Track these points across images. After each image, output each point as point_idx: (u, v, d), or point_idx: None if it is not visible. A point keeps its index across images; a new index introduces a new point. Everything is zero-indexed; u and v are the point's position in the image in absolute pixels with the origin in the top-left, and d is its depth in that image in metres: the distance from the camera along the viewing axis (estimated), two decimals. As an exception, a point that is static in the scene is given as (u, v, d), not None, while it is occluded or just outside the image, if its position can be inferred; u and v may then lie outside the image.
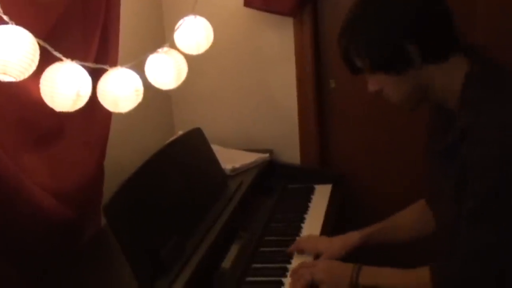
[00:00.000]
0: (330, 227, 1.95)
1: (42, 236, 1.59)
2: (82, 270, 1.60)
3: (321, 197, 2.17)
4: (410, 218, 1.69)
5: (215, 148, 2.30)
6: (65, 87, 1.45)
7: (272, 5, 2.18)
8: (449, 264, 1.30)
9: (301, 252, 1.74)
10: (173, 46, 1.85)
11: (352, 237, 1.71)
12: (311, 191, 2.22)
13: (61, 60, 1.48)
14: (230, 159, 2.22)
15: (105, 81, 1.61)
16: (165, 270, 1.50)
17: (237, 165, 2.15)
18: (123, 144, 2.10)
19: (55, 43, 1.53)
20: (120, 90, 1.60)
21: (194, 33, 1.86)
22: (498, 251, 1.23)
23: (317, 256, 1.70)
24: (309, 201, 2.14)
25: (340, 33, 1.37)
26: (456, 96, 1.33)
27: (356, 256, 1.64)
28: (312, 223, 1.97)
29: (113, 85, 1.60)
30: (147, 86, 1.84)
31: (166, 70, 1.76)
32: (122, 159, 2.02)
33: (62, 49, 1.54)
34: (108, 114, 1.81)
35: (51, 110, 1.50)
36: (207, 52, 2.24)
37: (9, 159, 1.45)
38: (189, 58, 2.09)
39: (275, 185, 2.27)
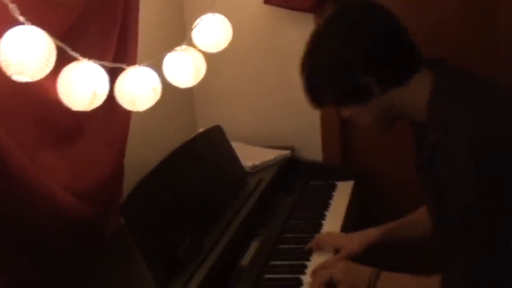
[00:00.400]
0: (351, 224, 1.94)
1: (63, 235, 1.61)
2: (102, 268, 1.62)
3: (342, 194, 2.16)
4: (424, 218, 1.67)
5: (237, 145, 2.31)
6: (82, 86, 1.47)
7: (292, 2, 2.18)
8: (454, 281, 1.26)
9: (319, 248, 1.73)
10: (192, 44, 1.86)
11: (371, 234, 1.70)
12: (332, 188, 2.21)
13: (77, 59, 1.50)
14: (251, 156, 2.22)
15: (122, 80, 1.62)
16: (182, 268, 1.50)
17: (257, 162, 2.15)
18: (145, 143, 2.11)
19: (73, 42, 1.55)
20: (138, 89, 1.62)
21: (213, 31, 1.86)
22: (492, 266, 1.19)
23: (336, 252, 1.69)
24: (330, 198, 2.12)
25: (301, 65, 1.41)
26: (424, 112, 1.31)
27: (375, 255, 1.62)
28: (333, 220, 1.95)
29: (130, 84, 1.61)
30: (168, 84, 1.87)
31: (184, 68, 1.77)
32: (144, 157, 2.03)
33: (80, 48, 1.56)
34: (127, 113, 1.82)
35: (70, 110, 1.52)
36: (228, 50, 2.25)
37: (29, 159, 1.48)
38: (210, 56, 2.10)
39: (297, 182, 2.26)
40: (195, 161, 1.78)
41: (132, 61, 1.80)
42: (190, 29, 1.88)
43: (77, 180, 1.66)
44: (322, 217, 1.98)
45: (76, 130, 1.70)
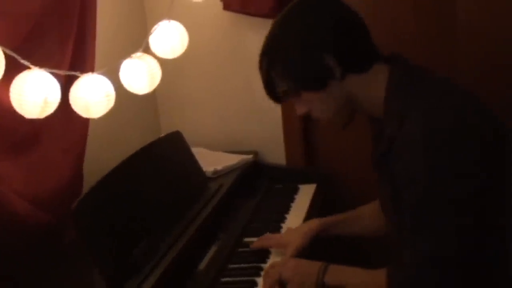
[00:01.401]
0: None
1: (19, 242, 1.62)
2: (59, 274, 1.62)
3: (304, 197, 2.18)
4: (371, 214, 1.71)
5: (200, 150, 2.34)
6: (33, 94, 1.49)
7: (250, 8, 2.20)
8: (401, 273, 1.28)
9: (264, 248, 1.78)
10: (149, 50, 1.88)
11: (312, 224, 1.75)
12: (295, 191, 2.23)
13: (29, 68, 1.51)
14: (213, 161, 2.24)
15: (76, 88, 1.65)
16: (136, 271, 1.51)
17: (219, 167, 2.17)
18: (109, 149, 2.13)
19: (28, 52, 1.58)
20: (91, 96, 1.63)
21: (168, 38, 1.89)
22: (439, 260, 1.20)
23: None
24: (292, 201, 2.15)
25: (259, 60, 1.42)
26: (381, 107, 1.34)
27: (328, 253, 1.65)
28: (293, 222, 1.97)
29: (83, 91, 1.64)
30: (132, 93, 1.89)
31: (140, 75, 1.79)
32: (107, 163, 2.03)
33: (35, 57, 1.59)
34: (85, 120, 1.83)
35: (25, 117, 1.54)
36: (190, 55, 2.28)
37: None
38: (173, 62, 2.13)
39: (260, 186, 2.28)
40: (152, 165, 1.80)
41: (89, 68, 1.82)
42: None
43: (33, 187, 1.68)
44: (282, 220, 2.00)
45: (32, 137, 1.71)
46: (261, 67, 1.42)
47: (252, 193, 2.22)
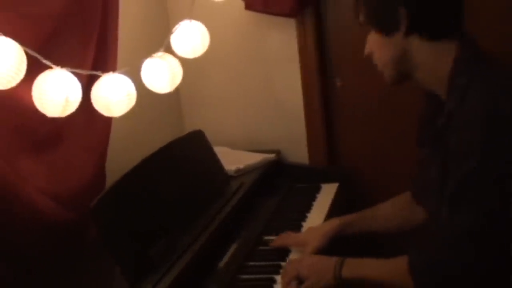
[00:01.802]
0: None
1: (42, 239, 1.65)
2: (81, 271, 1.65)
3: (326, 196, 2.18)
4: (391, 211, 1.69)
5: (222, 149, 2.35)
6: (54, 93, 1.51)
7: (272, 7, 2.20)
8: (427, 249, 1.29)
9: (284, 247, 1.77)
10: (170, 50, 1.90)
11: (332, 224, 1.74)
12: (317, 190, 2.23)
13: (51, 68, 1.54)
14: (236, 160, 2.25)
15: (97, 87, 1.67)
16: (155, 268, 1.53)
17: (241, 166, 2.18)
18: (133, 147, 2.14)
19: (50, 52, 1.61)
20: (112, 95, 1.65)
21: (189, 37, 1.90)
22: (477, 236, 1.21)
23: None
24: (314, 200, 2.15)
25: None
26: (444, 81, 1.32)
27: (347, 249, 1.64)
28: (314, 221, 1.97)
29: (104, 91, 1.65)
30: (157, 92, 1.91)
31: (161, 74, 1.81)
32: (132, 162, 2.06)
33: (58, 57, 1.62)
34: (108, 119, 1.86)
35: (47, 117, 1.57)
36: (214, 55, 2.31)
37: (7, 165, 1.53)
38: (198, 62, 2.15)
39: (282, 185, 2.29)
40: (172, 164, 1.82)
41: (111, 68, 1.84)
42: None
43: (55, 186, 1.70)
44: (303, 218, 2.00)
45: (55, 136, 1.74)
46: None
47: (274, 192, 2.23)
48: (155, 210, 1.66)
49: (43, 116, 1.57)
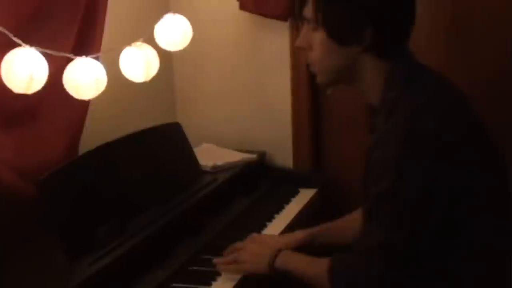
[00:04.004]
0: (297, 229, 1.94)
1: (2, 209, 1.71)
2: (28, 244, 1.68)
3: (300, 200, 2.18)
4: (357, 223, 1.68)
5: (209, 146, 2.39)
6: (19, 69, 1.58)
7: (264, 9, 2.23)
8: (346, 257, 1.33)
9: None
10: (152, 40, 1.95)
11: (297, 236, 1.73)
12: (294, 194, 2.23)
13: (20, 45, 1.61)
14: (218, 157, 2.27)
15: (68, 70, 1.72)
16: (98, 248, 1.56)
17: (219, 163, 2.19)
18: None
19: (30, 31, 1.69)
20: (81, 78, 1.70)
21: (171, 30, 1.94)
22: (385, 250, 1.23)
23: None
24: (287, 203, 2.15)
25: None
26: (379, 94, 1.34)
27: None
28: (278, 223, 1.98)
29: (74, 73, 1.71)
30: (152, 85, 1.96)
31: (136, 63, 1.85)
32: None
33: (38, 37, 1.69)
34: (85, 104, 1.91)
35: (23, 94, 1.64)
36: (209, 53, 2.38)
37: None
38: (193, 59, 2.34)
39: (263, 187, 2.29)
40: (140, 151, 1.86)
41: (95, 50, 1.88)
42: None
43: (23, 161, 1.76)
44: (270, 219, 2.00)
45: (29, 113, 1.80)
46: None
47: (251, 192, 2.23)
48: (111, 193, 1.70)
49: (15, 92, 1.63)
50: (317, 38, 1.34)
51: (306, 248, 1.69)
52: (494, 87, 2.12)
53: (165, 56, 2.33)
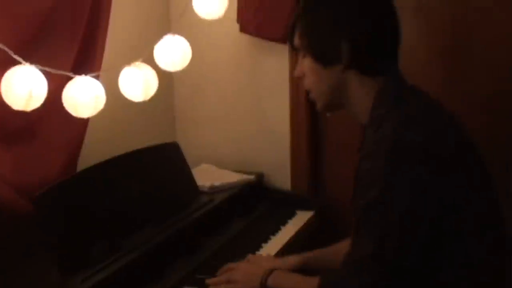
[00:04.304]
0: (292, 250, 1.94)
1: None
2: (24, 260, 1.69)
3: (296, 222, 2.19)
4: None
5: (208, 167, 2.40)
6: (18, 87, 1.60)
7: (264, 32, 2.26)
8: (335, 273, 1.33)
9: None
10: (152, 60, 1.98)
11: (291, 260, 1.72)
12: (291, 215, 2.24)
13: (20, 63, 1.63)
14: (216, 178, 2.28)
15: (68, 88, 1.75)
16: (92, 265, 1.57)
17: (216, 184, 2.20)
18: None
19: (31, 49, 1.72)
20: (80, 96, 1.73)
21: (171, 51, 1.96)
22: (374, 262, 1.23)
23: None
24: (284, 224, 2.15)
25: (297, 9, 1.45)
26: (367, 114, 1.36)
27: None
28: (274, 244, 1.98)
29: (73, 91, 1.73)
30: (153, 105, 1.98)
31: (135, 83, 1.87)
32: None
33: (38, 55, 1.73)
34: (84, 123, 1.93)
35: (22, 111, 1.66)
36: (210, 75, 2.40)
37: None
38: (194, 81, 2.39)
39: (261, 208, 2.30)
40: (137, 169, 1.87)
41: (96, 69, 1.91)
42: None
43: (21, 178, 1.78)
44: (266, 240, 2.01)
45: (28, 131, 1.83)
46: (297, 11, 1.45)
47: (249, 213, 2.23)
48: (107, 211, 1.70)
49: (16, 110, 1.66)
50: (307, 65, 1.41)
51: (301, 271, 1.69)
52: (493, 110, 2.13)
53: (166, 77, 2.36)
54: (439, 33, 2.18)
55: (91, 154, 1.97)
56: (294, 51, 1.47)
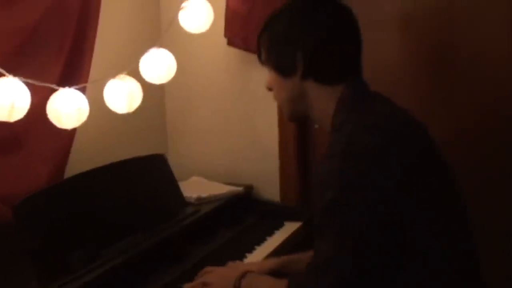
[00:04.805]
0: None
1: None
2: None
3: (283, 233, 2.19)
4: None
5: (198, 179, 2.42)
6: (1, 98, 1.64)
7: (252, 45, 2.27)
8: (300, 277, 1.33)
9: None
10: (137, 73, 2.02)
11: (268, 263, 1.75)
12: (278, 227, 2.24)
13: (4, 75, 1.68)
14: (205, 190, 2.30)
15: (52, 99, 1.79)
16: (70, 273, 1.59)
17: (203, 195, 2.22)
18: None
19: (16, 62, 1.77)
20: (63, 108, 1.77)
21: (156, 64, 2.00)
22: (333, 266, 1.23)
23: None
24: (270, 235, 2.16)
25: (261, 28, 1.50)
26: (330, 121, 1.38)
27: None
28: (260, 254, 1.99)
29: (57, 103, 1.77)
30: (145, 119, 2.00)
31: (120, 95, 1.91)
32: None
33: (24, 67, 1.78)
34: (70, 134, 1.97)
35: (7, 122, 1.70)
36: (200, 88, 2.43)
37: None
38: (185, 94, 2.43)
39: (248, 220, 2.31)
40: (121, 180, 1.89)
41: (83, 80, 1.96)
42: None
43: (6, 187, 1.81)
44: (251, 250, 2.01)
45: (13, 141, 1.86)
46: (260, 30, 1.50)
47: (237, 224, 2.24)
48: (88, 220, 1.73)
49: (4, 122, 1.70)
50: (271, 77, 1.48)
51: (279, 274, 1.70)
52: (480, 122, 2.14)
53: (157, 90, 2.41)
54: (424, 44, 2.20)
55: (83, 167, 1.99)
56: (263, 65, 1.51)
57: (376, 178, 1.21)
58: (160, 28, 2.51)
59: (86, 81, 1.97)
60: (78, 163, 2.03)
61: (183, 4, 2.08)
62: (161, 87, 2.52)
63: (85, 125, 1.93)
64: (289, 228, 2.24)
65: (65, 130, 1.87)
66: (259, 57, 1.51)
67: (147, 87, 2.09)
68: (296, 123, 2.37)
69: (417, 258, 1.25)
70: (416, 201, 1.24)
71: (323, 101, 1.40)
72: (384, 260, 1.24)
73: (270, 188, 2.45)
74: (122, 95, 1.91)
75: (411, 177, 1.24)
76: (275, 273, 1.70)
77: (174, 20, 2.09)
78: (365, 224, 1.21)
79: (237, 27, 2.30)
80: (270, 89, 1.52)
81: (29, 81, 1.72)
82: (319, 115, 1.43)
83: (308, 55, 1.38)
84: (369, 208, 1.21)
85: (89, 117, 1.93)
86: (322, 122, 1.44)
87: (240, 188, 2.36)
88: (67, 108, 1.76)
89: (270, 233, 2.18)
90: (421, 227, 1.24)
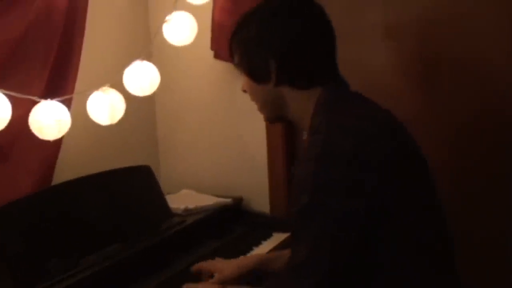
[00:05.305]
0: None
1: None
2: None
3: (270, 243, 2.19)
4: None
5: (188, 192, 2.45)
6: (-18, 111, 1.68)
7: (237, 58, 2.30)
8: (278, 280, 1.34)
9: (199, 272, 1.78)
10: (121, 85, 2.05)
11: (248, 260, 1.75)
12: (266, 237, 2.24)
13: (-13, 89, 1.72)
14: (194, 201, 2.32)
15: (33, 112, 1.82)
16: (47, 279, 1.61)
17: (190, 206, 2.23)
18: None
19: (3, 76, 1.80)
20: (44, 119, 1.80)
21: (139, 77, 2.03)
22: (309, 268, 1.23)
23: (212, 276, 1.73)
24: (257, 246, 2.16)
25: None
26: (308, 124, 1.38)
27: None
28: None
29: (38, 115, 1.80)
30: (136, 132, 2.00)
31: (102, 107, 1.94)
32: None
33: (8, 79, 1.81)
34: (56, 146, 2.00)
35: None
36: (189, 101, 2.45)
37: None
38: (175, 106, 2.45)
39: (237, 231, 2.31)
40: (104, 189, 1.91)
41: (69, 91, 2.01)
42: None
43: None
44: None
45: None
46: (231, 33, 1.50)
47: (225, 235, 2.25)
48: (68, 228, 1.75)
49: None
50: (245, 81, 1.48)
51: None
52: (467, 128, 2.13)
53: (148, 103, 2.44)
54: (409, 53, 2.20)
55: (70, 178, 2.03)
56: (236, 68, 1.51)
57: (349, 181, 1.22)
58: (149, 41, 2.55)
59: (72, 93, 2.00)
60: (65, 175, 2.06)
61: (167, 17, 2.12)
62: (151, 100, 2.55)
63: (73, 137, 1.97)
64: (277, 238, 2.24)
65: (49, 142, 1.90)
66: (232, 57, 1.51)
67: (138, 100, 2.12)
68: (283, 136, 2.39)
69: (393, 258, 1.25)
70: (390, 202, 1.23)
71: (300, 104, 1.40)
72: (360, 261, 1.23)
73: (261, 200, 2.45)
74: (104, 107, 1.93)
75: (385, 178, 1.23)
76: (255, 271, 1.70)
77: (158, 33, 2.12)
78: (339, 227, 1.21)
79: (223, 40, 2.32)
80: (245, 91, 1.51)
81: (11, 93, 1.75)
82: (298, 118, 1.43)
83: (280, 61, 1.37)
84: (341, 211, 1.21)
85: (78, 129, 1.98)
86: (301, 124, 1.44)
87: (228, 200, 2.37)
88: (48, 119, 1.79)
89: (257, 243, 2.18)
90: (396, 229, 1.24)
